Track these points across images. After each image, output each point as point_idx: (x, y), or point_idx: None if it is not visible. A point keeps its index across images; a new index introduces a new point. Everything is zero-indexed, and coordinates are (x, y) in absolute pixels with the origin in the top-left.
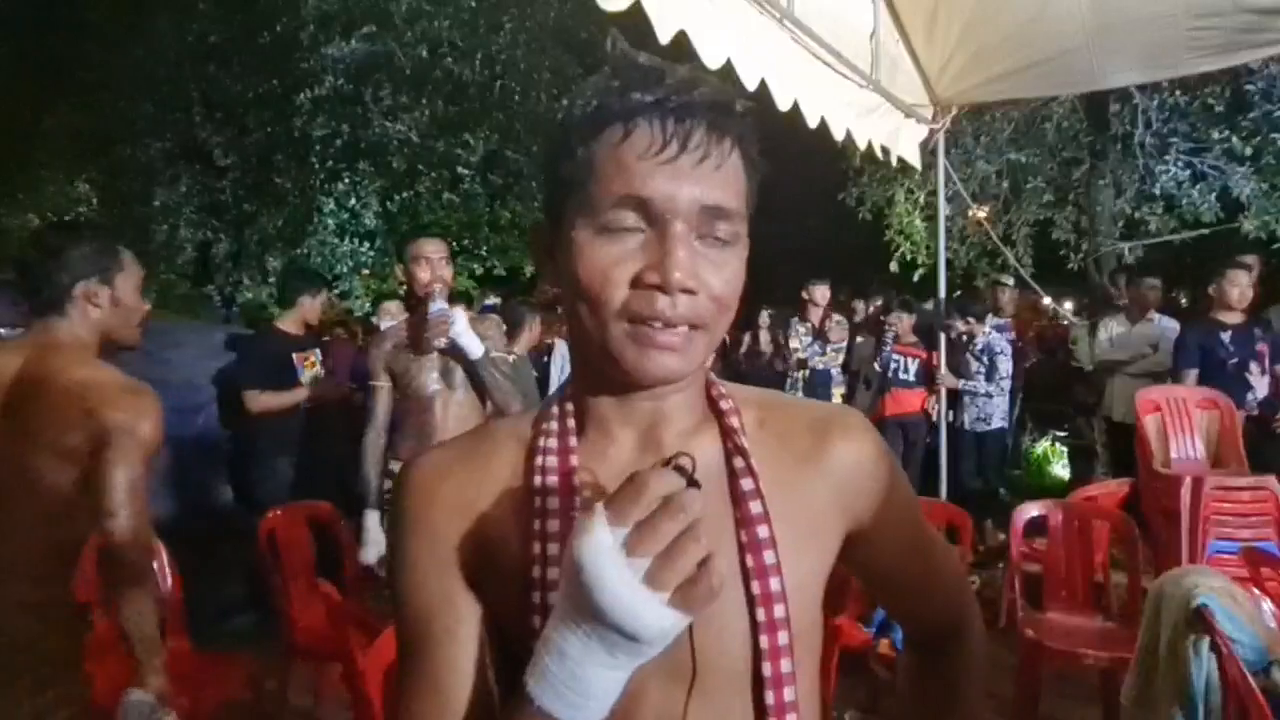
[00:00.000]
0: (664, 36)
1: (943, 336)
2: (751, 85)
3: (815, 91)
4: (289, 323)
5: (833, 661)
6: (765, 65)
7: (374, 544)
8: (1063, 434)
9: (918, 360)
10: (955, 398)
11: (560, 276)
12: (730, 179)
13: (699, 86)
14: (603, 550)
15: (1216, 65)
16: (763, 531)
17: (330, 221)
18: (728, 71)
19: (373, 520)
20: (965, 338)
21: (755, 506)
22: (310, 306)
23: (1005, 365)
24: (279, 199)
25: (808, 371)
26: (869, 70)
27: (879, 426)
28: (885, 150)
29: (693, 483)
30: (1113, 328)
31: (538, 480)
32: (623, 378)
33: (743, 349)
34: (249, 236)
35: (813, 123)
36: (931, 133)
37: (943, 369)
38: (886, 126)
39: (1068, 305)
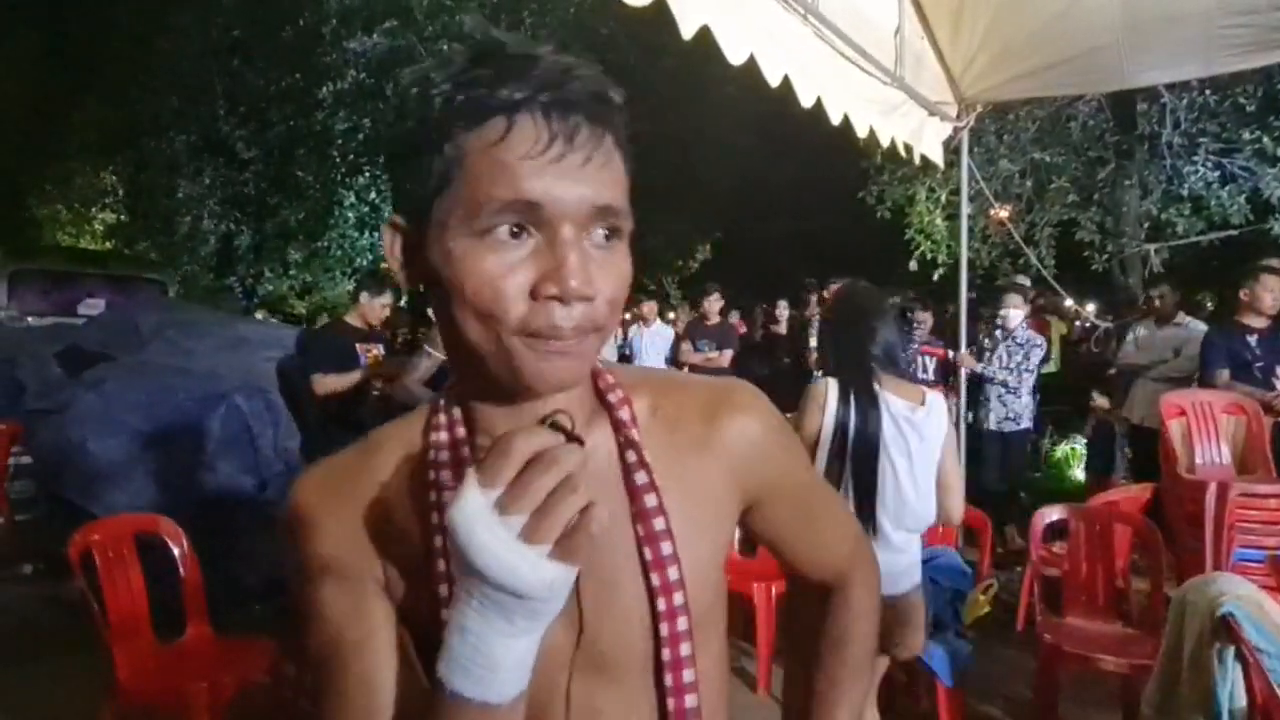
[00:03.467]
0: (687, 32)
1: (963, 326)
2: (775, 82)
3: (838, 88)
4: (353, 317)
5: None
6: (788, 62)
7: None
8: (1082, 438)
9: (935, 359)
10: (977, 397)
11: (431, 282)
12: (615, 175)
13: (575, 74)
14: (474, 512)
15: (1248, 64)
16: (659, 524)
17: (350, 215)
18: (750, 67)
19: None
20: (999, 330)
21: (650, 500)
22: (368, 305)
23: (1038, 357)
24: (300, 192)
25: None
26: (893, 67)
27: None
28: (908, 148)
29: (572, 438)
30: (1140, 331)
31: (433, 495)
32: (519, 387)
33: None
34: (270, 229)
35: (835, 120)
36: (955, 131)
37: (963, 350)
38: (909, 124)
39: (1090, 307)
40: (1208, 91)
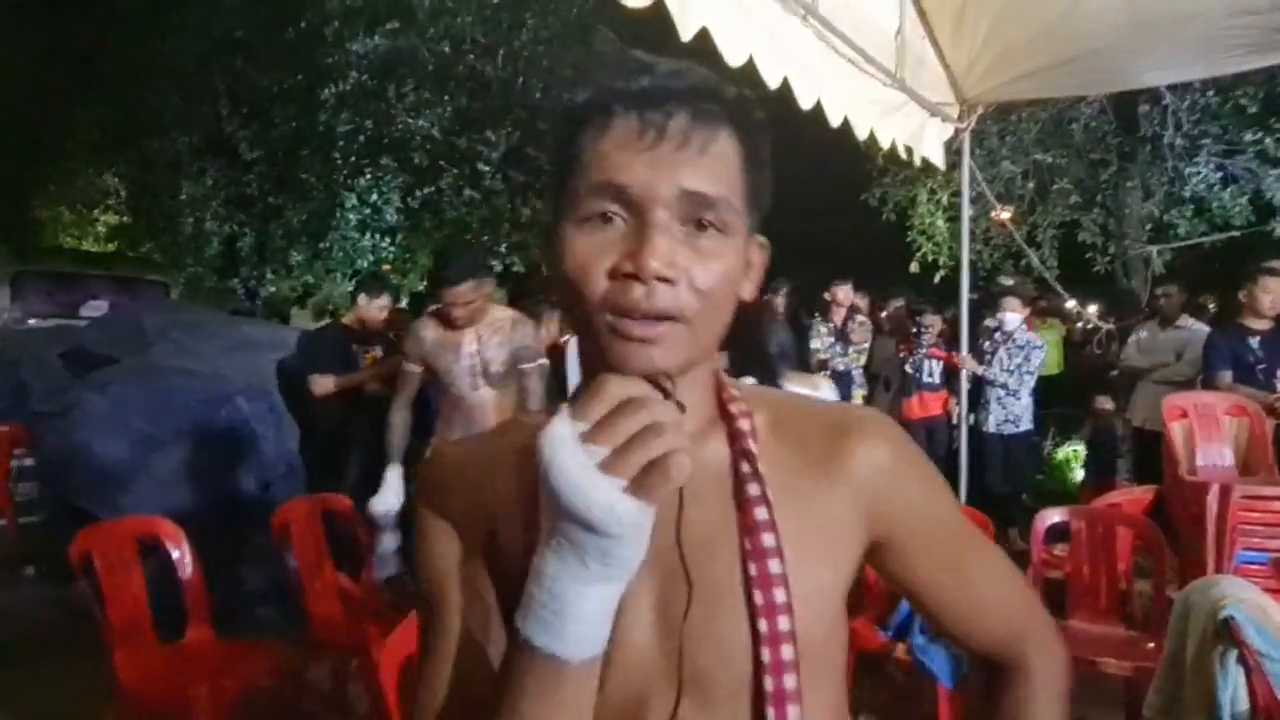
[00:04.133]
0: (686, 34)
1: (964, 329)
2: (774, 84)
3: (838, 90)
4: (351, 318)
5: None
6: (788, 63)
7: (389, 494)
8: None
9: (942, 362)
10: (977, 400)
11: (554, 274)
12: (717, 165)
13: (684, 74)
14: (558, 438)
15: (1252, 65)
16: (768, 540)
17: (352, 216)
18: (749, 70)
19: (394, 472)
20: (999, 332)
21: (760, 513)
22: (365, 306)
23: (1038, 359)
24: (303, 193)
25: (829, 372)
26: (894, 68)
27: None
28: (909, 150)
29: (669, 397)
30: (1142, 333)
31: None
32: (612, 372)
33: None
34: (273, 230)
35: (835, 122)
36: (957, 132)
37: (964, 352)
38: (910, 126)
39: (1093, 309)
40: (1210, 93)
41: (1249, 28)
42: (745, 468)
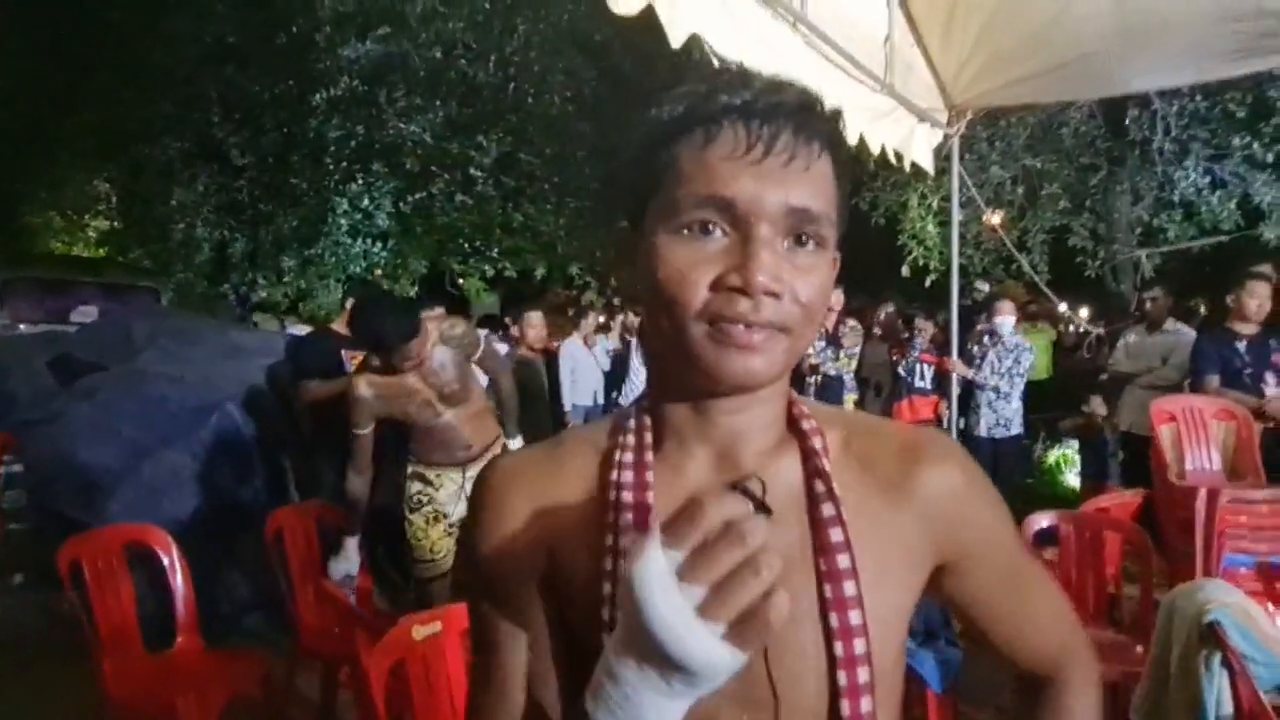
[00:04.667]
0: (676, 40)
1: (955, 333)
2: None
3: (828, 95)
4: (339, 324)
5: None
6: (777, 69)
7: (348, 561)
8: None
9: (933, 366)
10: (967, 403)
11: (640, 282)
12: (818, 182)
13: (785, 89)
14: (655, 574)
15: (1239, 71)
16: (843, 561)
17: (344, 222)
18: None
19: (352, 542)
20: (989, 336)
21: (836, 534)
22: None
23: (1027, 362)
24: (294, 199)
25: (820, 377)
26: (883, 74)
27: None
28: (898, 155)
29: (761, 507)
30: (1130, 338)
31: (612, 494)
32: (701, 381)
33: None
34: (264, 236)
35: None
36: (946, 138)
37: (954, 356)
38: (900, 131)
39: (1084, 313)
40: (1198, 98)
41: (1236, 34)
42: (820, 487)
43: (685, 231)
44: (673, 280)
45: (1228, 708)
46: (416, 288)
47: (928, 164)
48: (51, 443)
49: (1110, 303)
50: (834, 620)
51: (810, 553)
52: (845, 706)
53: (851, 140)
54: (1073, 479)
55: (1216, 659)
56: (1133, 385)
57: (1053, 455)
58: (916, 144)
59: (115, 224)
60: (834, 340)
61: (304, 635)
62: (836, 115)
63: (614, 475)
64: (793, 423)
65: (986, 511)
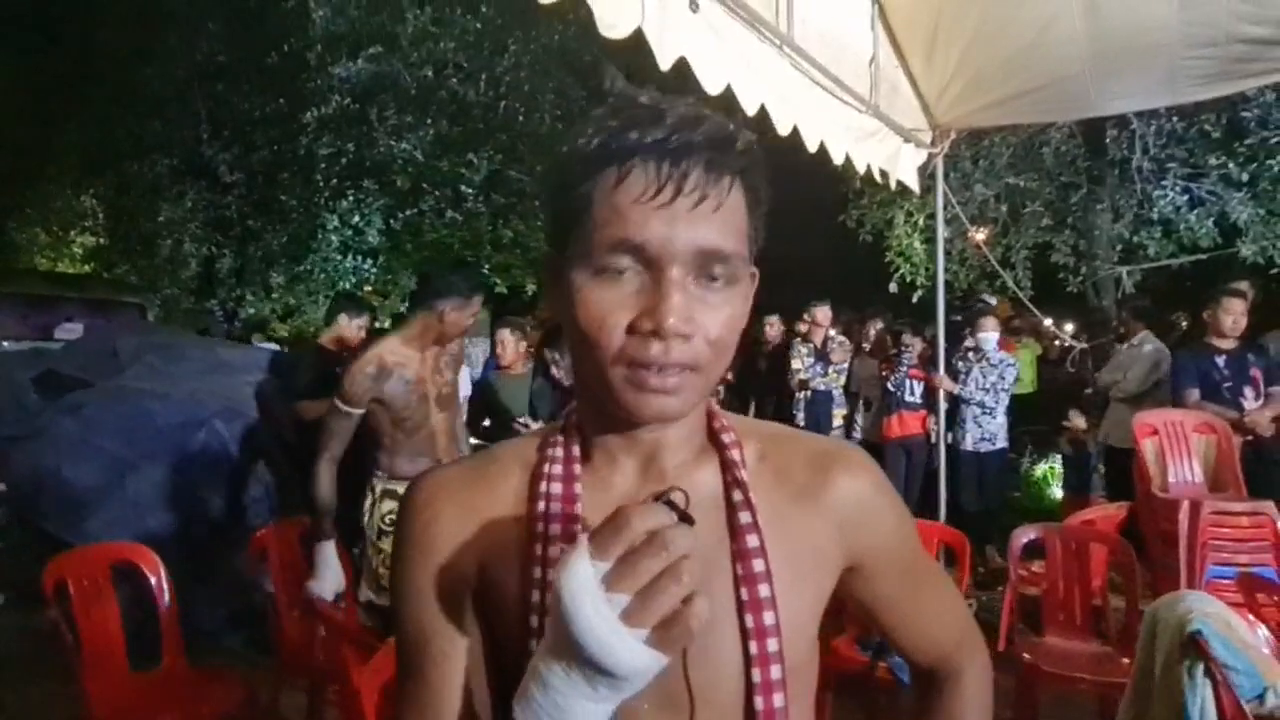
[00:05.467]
0: (664, 63)
1: (941, 348)
2: (752, 110)
3: (815, 116)
4: (328, 340)
5: (825, 686)
6: (765, 91)
7: (328, 579)
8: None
9: (922, 382)
10: (954, 418)
11: (562, 316)
12: (729, 219)
13: (700, 125)
14: (582, 584)
15: (1212, 94)
16: (758, 565)
17: (334, 238)
18: (728, 98)
19: (329, 550)
20: (973, 352)
21: (752, 540)
22: (346, 326)
23: (1011, 376)
24: (283, 216)
25: (809, 393)
26: (868, 95)
27: (882, 449)
28: (884, 174)
29: (685, 518)
30: (1116, 353)
31: (540, 505)
32: (621, 414)
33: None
34: (253, 252)
35: (812, 147)
36: (930, 157)
37: (941, 371)
38: (885, 150)
39: (1069, 328)
40: (1175, 118)
41: (1209, 59)
42: (737, 496)
43: (602, 274)
44: (592, 324)
45: (1211, 717)
46: (406, 304)
47: (913, 182)
48: (34, 459)
49: (1092, 317)
50: (749, 621)
51: (729, 557)
52: (759, 702)
53: (838, 159)
54: (1059, 492)
55: (1200, 669)
56: (1115, 400)
57: (1039, 469)
58: (902, 163)
59: (101, 240)
60: (823, 356)
61: (288, 653)
62: (751, 147)
63: (543, 487)
64: (713, 435)
65: (891, 518)
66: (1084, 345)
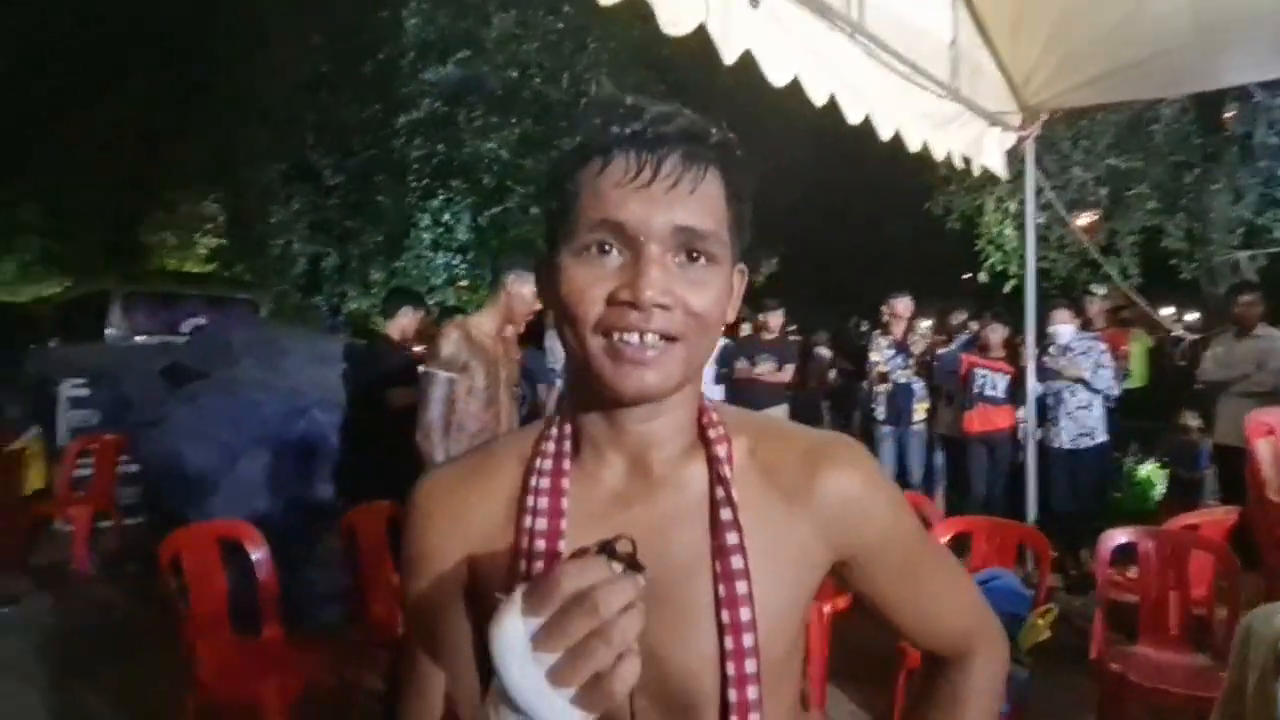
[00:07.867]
0: (729, 58)
1: (1031, 341)
2: (820, 102)
3: (888, 104)
4: (392, 330)
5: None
6: (835, 81)
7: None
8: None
9: (1007, 376)
10: (1044, 415)
11: (551, 302)
12: (705, 202)
13: (675, 119)
14: (509, 643)
15: None
16: (737, 562)
17: (426, 236)
18: (794, 89)
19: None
20: (1054, 347)
21: (732, 537)
22: (409, 319)
23: (1107, 375)
24: (380, 216)
25: (890, 385)
26: (948, 79)
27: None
28: (966, 160)
29: (632, 565)
30: (1218, 346)
31: (530, 500)
32: (604, 393)
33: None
34: (353, 251)
35: (885, 136)
36: (1019, 140)
37: (1031, 364)
38: (967, 136)
39: (1189, 318)
40: None
41: None
42: (720, 493)
43: (585, 253)
44: (573, 296)
45: None
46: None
47: (999, 168)
48: (160, 444)
49: (1206, 306)
50: (725, 616)
51: (709, 554)
52: (733, 695)
53: (914, 147)
54: (1164, 493)
55: None
56: (1227, 395)
57: (1143, 469)
58: (986, 148)
59: (222, 241)
60: (903, 348)
61: (373, 626)
62: (728, 141)
63: (533, 482)
64: (702, 430)
65: (883, 512)
66: (1195, 337)
